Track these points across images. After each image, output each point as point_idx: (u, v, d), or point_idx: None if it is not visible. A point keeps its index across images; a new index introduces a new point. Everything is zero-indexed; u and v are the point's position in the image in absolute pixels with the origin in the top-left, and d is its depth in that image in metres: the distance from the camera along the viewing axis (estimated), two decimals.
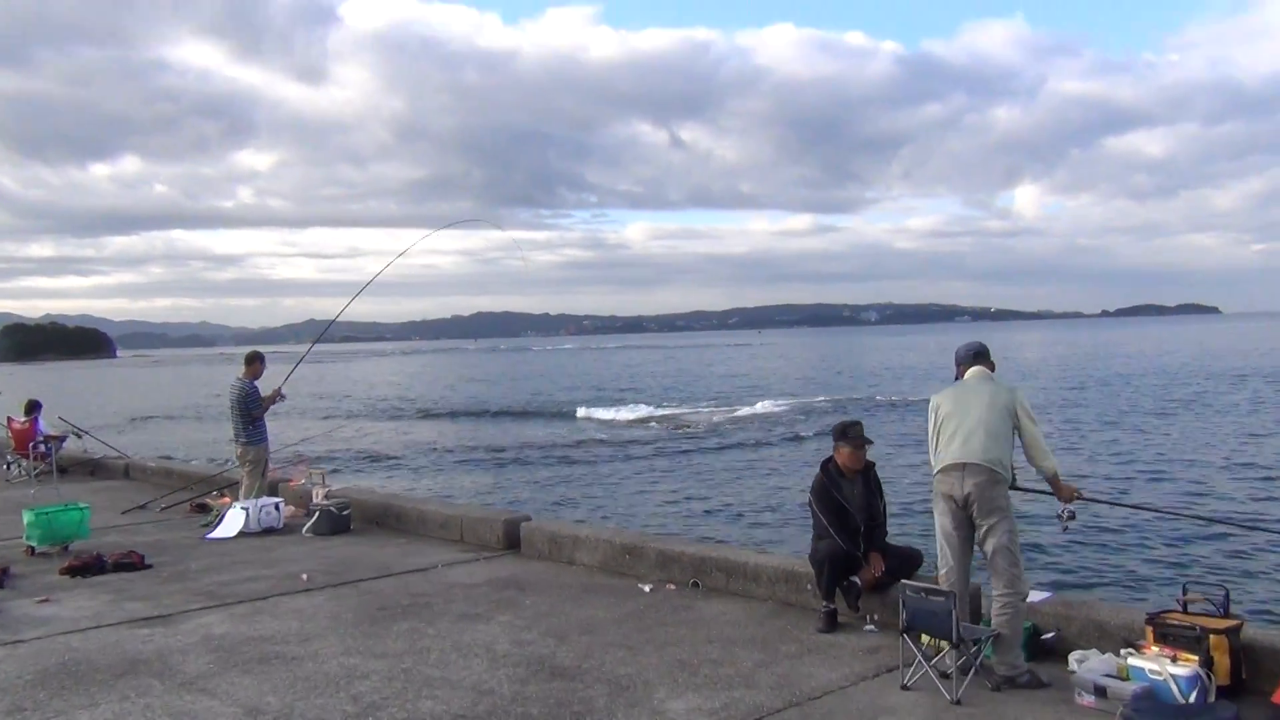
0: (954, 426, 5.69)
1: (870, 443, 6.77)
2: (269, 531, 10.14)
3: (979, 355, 6.15)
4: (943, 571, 5.71)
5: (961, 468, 5.55)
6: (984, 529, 5.52)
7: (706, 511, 17.57)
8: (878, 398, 42.36)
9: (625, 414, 37.61)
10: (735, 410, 38.51)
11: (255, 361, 11.09)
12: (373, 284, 12.50)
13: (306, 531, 10.01)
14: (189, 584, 8.04)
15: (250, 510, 10.13)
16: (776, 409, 38.25)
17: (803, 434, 29.48)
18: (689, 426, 33.11)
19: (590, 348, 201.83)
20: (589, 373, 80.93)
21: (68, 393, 76.53)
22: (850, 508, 6.55)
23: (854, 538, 6.47)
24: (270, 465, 11.47)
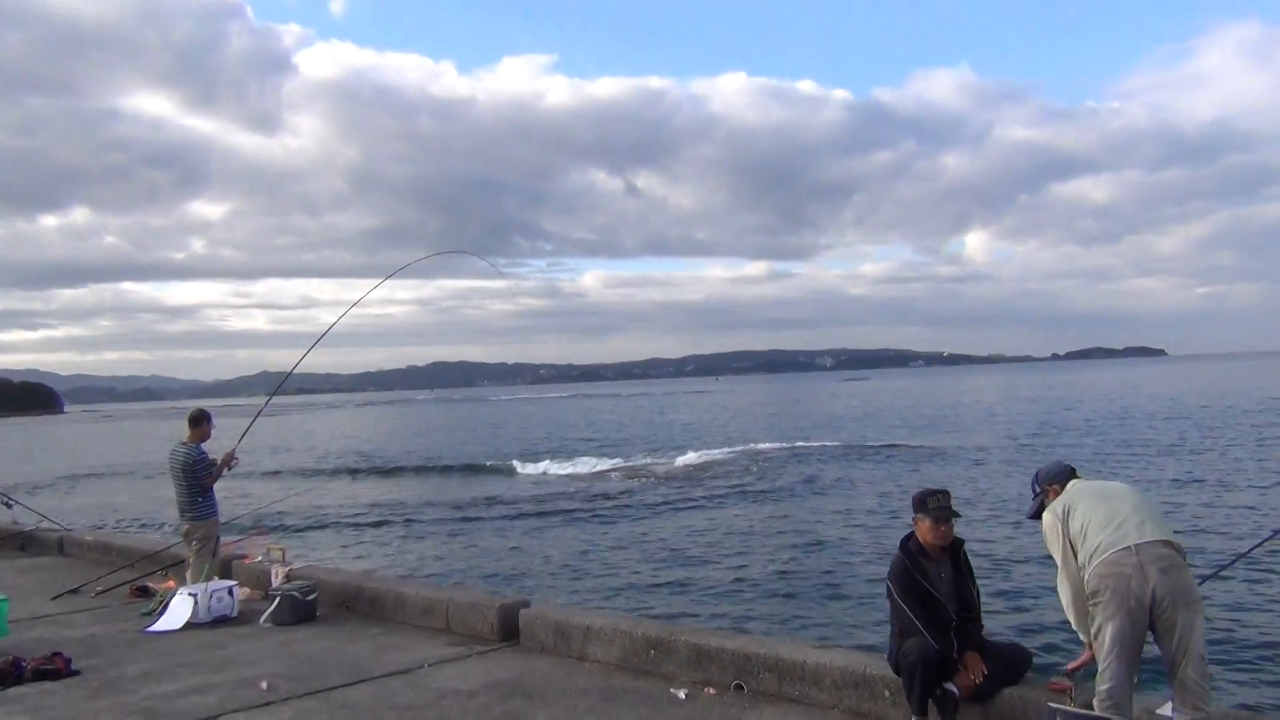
0: (1105, 513, 4.60)
1: (958, 515, 5.58)
2: (221, 621, 8.70)
3: (1074, 471, 5.28)
4: (1104, 689, 4.50)
5: (1137, 550, 4.44)
6: (1173, 629, 4.40)
7: (737, 582, 15.21)
8: (863, 443, 41.36)
9: (598, 465, 36.11)
10: (712, 456, 37.73)
11: (202, 422, 9.58)
12: (328, 335, 11.44)
13: (265, 621, 8.57)
14: (122, 698, 6.55)
15: (199, 597, 8.68)
16: (745, 456, 37.23)
17: (787, 484, 28.31)
18: (673, 478, 31.65)
19: (548, 396, 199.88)
20: (551, 423, 79.14)
21: (5, 453, 73.82)
22: (939, 595, 5.38)
23: (945, 633, 5.28)
24: (222, 541, 10.05)
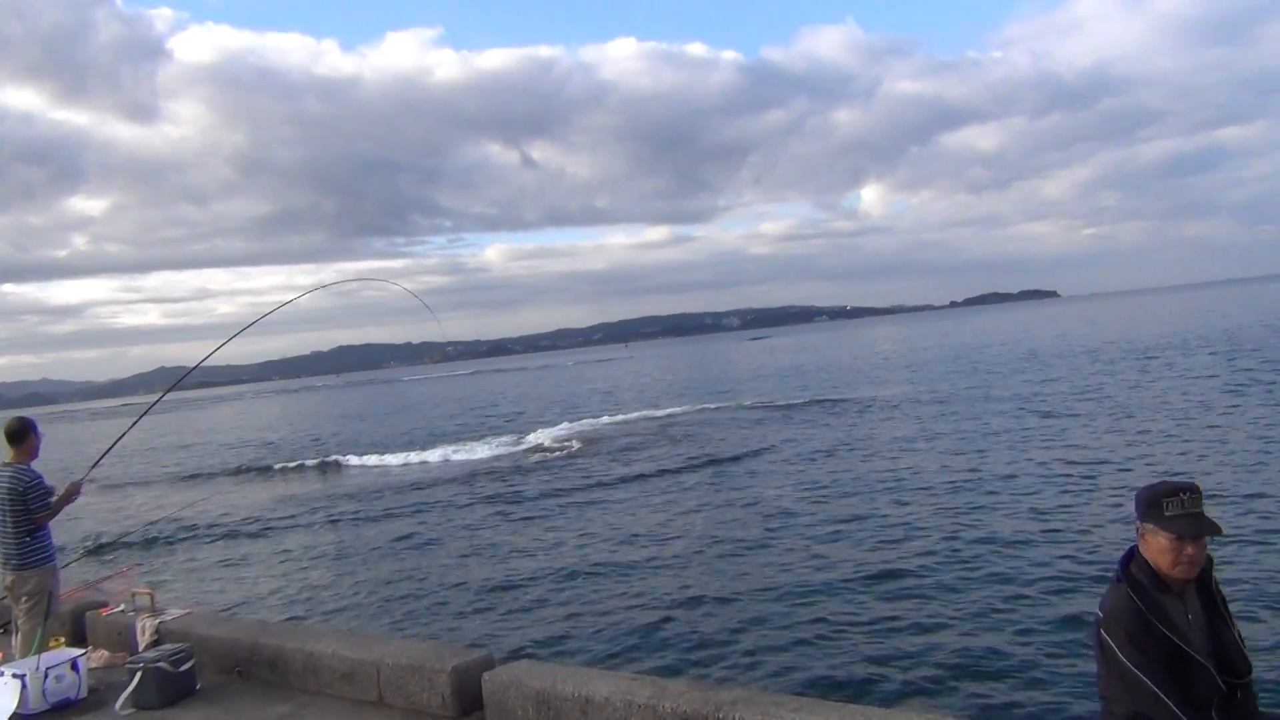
0: None
1: (1218, 530, 3.40)
2: (62, 708, 6.32)
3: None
4: None
5: None
6: None
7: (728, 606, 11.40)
8: (786, 400, 39.74)
9: (521, 443, 33.61)
10: (653, 415, 35.69)
11: (26, 435, 6.96)
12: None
13: (123, 706, 6.19)
14: None
15: (28, 678, 6.26)
16: (668, 421, 35.19)
17: (724, 451, 26.35)
18: (600, 451, 29.29)
19: (457, 374, 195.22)
20: (462, 401, 76.08)
21: None
22: (1194, 652, 3.34)
23: (1206, 709, 3.29)
24: (73, 586, 7.58)
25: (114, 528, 22.95)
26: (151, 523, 21.44)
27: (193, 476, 35.28)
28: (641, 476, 23.09)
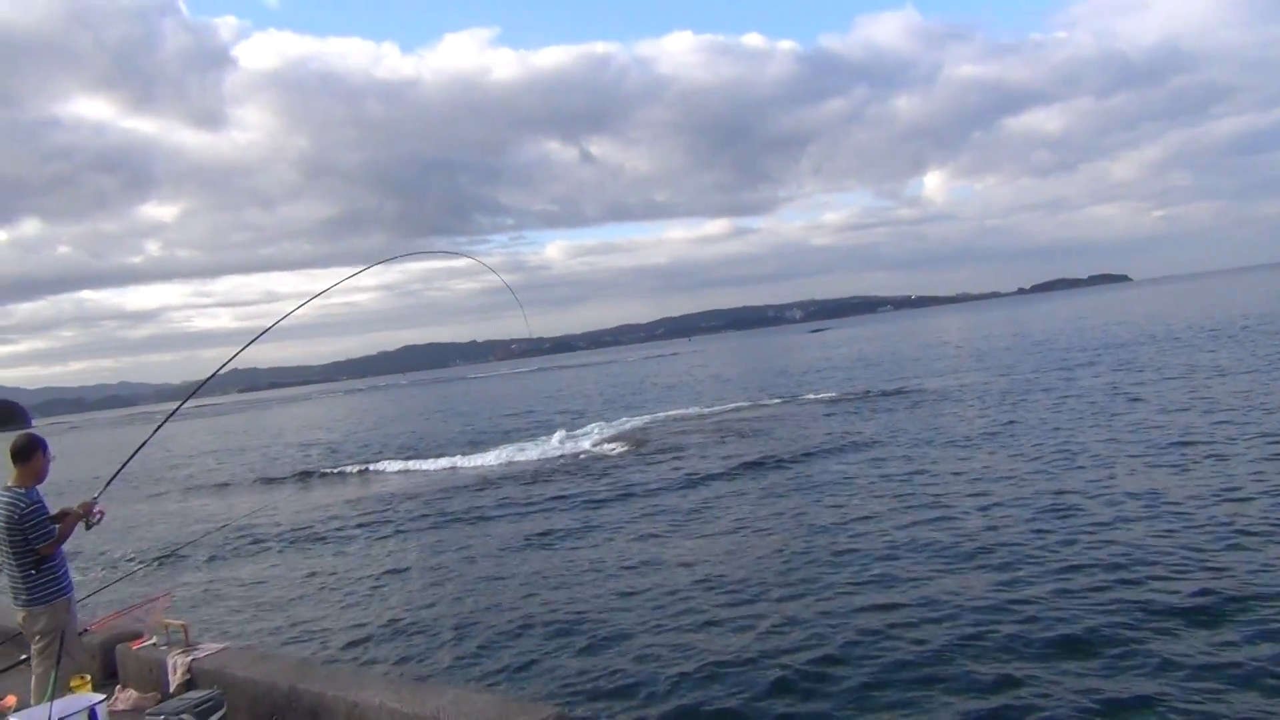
0: None
1: None
2: None
3: None
4: None
5: None
6: None
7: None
8: (865, 390, 38.50)
9: (602, 432, 32.81)
10: (707, 414, 34.57)
11: (33, 454, 6.24)
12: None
13: None
14: None
15: None
16: (745, 413, 34.20)
17: (814, 444, 25.29)
18: (679, 448, 28.39)
19: (520, 371, 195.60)
20: (528, 397, 75.63)
21: None
22: None
23: None
24: (78, 624, 6.72)
25: (154, 543, 22.60)
26: (184, 544, 20.88)
27: (243, 483, 34.67)
28: (711, 478, 21.96)
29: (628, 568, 14.53)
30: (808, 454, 23.78)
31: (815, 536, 14.91)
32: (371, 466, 33.77)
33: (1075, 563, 11.61)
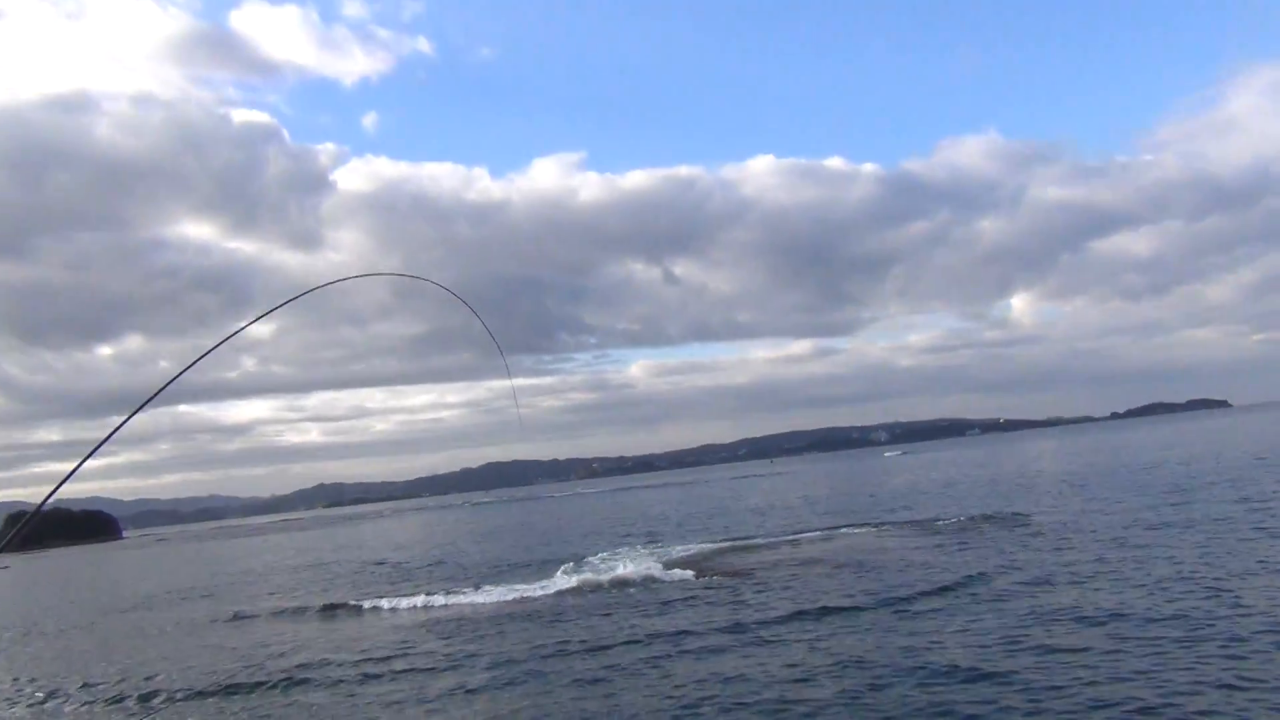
0: None
1: None
2: None
3: None
4: None
5: None
6: None
7: None
8: (984, 513, 36.73)
9: (683, 556, 31.47)
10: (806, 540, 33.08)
11: None
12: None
13: None
14: None
15: None
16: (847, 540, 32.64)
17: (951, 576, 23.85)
18: (786, 575, 27.11)
19: (601, 490, 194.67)
20: (608, 516, 74.51)
21: (26, 586, 71.09)
22: None
23: None
24: None
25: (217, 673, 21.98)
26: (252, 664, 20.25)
27: (285, 609, 34.19)
28: (803, 614, 20.47)
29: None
30: (909, 589, 22.30)
31: (936, 687, 13.65)
32: (431, 593, 32.45)
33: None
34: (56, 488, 6.53)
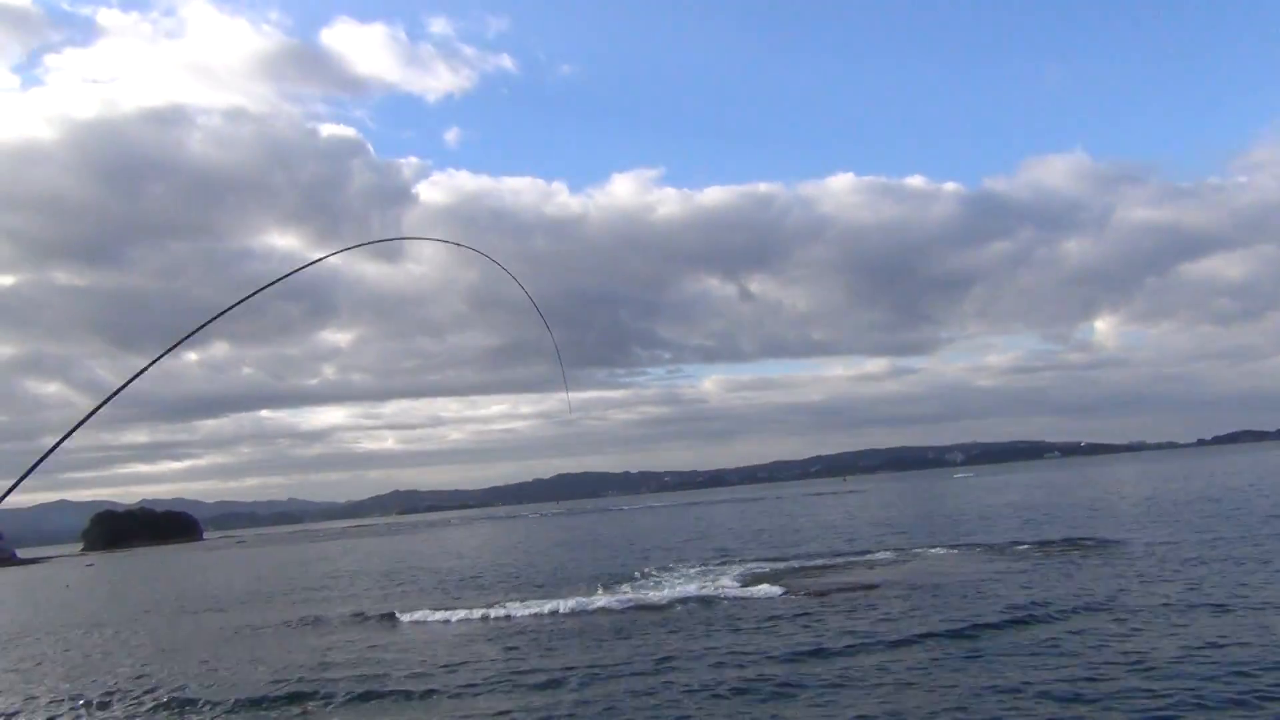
0: None
1: None
2: None
3: None
4: None
5: None
6: None
7: None
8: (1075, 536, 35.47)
9: (755, 575, 30.80)
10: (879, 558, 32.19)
11: None
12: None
13: None
14: None
15: None
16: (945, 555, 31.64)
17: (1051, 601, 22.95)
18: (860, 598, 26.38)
19: (673, 505, 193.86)
20: (680, 530, 73.75)
21: (103, 585, 72.66)
22: None
23: None
24: None
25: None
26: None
27: (356, 615, 34.27)
28: (885, 644, 19.56)
29: None
30: (988, 616, 21.47)
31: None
32: (502, 604, 32.24)
33: None
34: (5, 493, 6.28)
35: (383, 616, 30.93)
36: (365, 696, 18.38)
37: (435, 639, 25.46)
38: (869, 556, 37.24)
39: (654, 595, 29.54)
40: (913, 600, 24.62)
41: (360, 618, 31.32)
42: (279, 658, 24.50)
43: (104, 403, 6.85)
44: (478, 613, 29.39)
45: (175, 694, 20.45)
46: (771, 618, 23.60)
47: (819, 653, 18.76)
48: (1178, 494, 65.45)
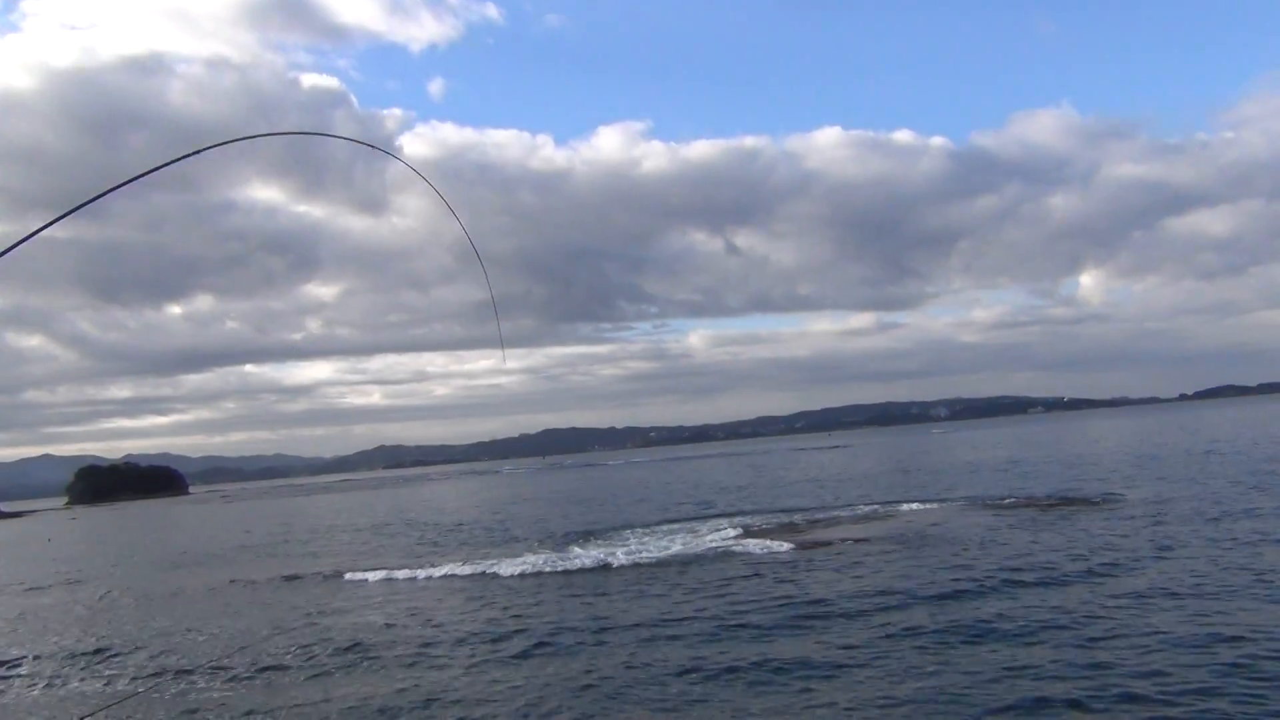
0: None
1: None
2: None
3: None
4: None
5: None
6: None
7: None
8: (1067, 492, 35.26)
9: (739, 531, 30.54)
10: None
11: None
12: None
13: None
14: None
15: None
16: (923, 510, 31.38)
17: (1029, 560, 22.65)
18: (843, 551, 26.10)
19: (657, 460, 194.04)
20: (666, 484, 73.60)
21: (85, 538, 72.30)
22: None
23: None
24: None
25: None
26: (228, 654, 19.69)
27: (336, 568, 33.99)
28: (876, 605, 19.28)
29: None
30: (970, 576, 21.17)
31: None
32: (485, 559, 32.37)
33: None
34: None
35: (362, 572, 30.57)
36: (347, 654, 17.98)
37: (420, 594, 25.08)
38: (854, 510, 37.03)
39: (638, 552, 29.19)
40: (898, 556, 24.35)
41: (346, 575, 30.94)
42: (256, 614, 24.09)
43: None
44: (466, 569, 29.05)
45: (137, 653, 20.01)
46: (756, 573, 23.28)
47: (809, 607, 18.44)
48: (1160, 448, 65.55)
